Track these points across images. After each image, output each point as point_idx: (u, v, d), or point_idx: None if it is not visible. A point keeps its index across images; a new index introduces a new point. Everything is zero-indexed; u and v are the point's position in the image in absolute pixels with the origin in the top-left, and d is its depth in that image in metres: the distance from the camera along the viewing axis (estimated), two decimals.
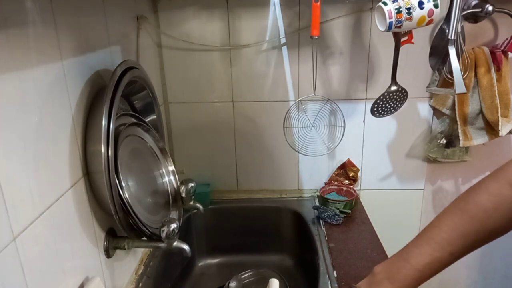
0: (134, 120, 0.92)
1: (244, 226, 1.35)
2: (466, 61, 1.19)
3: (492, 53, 1.20)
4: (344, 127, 1.28)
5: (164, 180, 1.01)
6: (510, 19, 1.18)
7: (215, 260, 1.38)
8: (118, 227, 0.80)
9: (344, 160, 1.40)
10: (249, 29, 1.26)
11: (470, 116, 1.27)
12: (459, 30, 1.09)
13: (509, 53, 1.21)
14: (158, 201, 0.97)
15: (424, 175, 1.42)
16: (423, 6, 0.98)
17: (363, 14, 1.24)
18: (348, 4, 1.22)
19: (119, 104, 0.83)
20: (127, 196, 0.78)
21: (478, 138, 1.28)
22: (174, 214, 1.00)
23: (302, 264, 1.31)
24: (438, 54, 1.18)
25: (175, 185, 1.02)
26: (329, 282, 0.97)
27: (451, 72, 1.12)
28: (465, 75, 1.20)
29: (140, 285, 0.99)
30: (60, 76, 0.68)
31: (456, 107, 1.26)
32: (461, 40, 1.13)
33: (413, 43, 1.09)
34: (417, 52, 1.24)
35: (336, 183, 1.39)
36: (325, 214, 1.24)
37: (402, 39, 1.08)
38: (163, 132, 1.09)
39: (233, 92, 1.33)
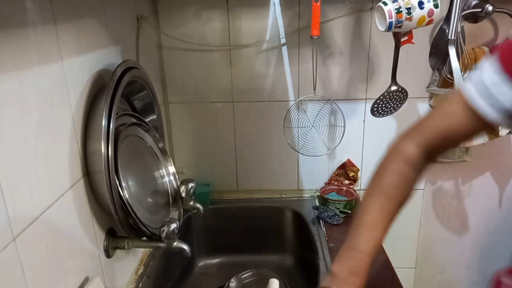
0: (134, 120, 0.92)
1: (244, 226, 1.35)
2: (466, 61, 1.19)
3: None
4: (344, 127, 1.28)
5: (164, 180, 1.01)
6: (510, 19, 1.18)
7: (215, 260, 1.38)
8: (118, 227, 0.80)
9: (344, 160, 1.40)
10: (249, 29, 1.26)
11: None
12: (459, 30, 1.09)
13: None
14: (158, 201, 0.97)
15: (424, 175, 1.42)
16: (423, 6, 0.98)
17: (363, 14, 1.24)
18: (348, 4, 1.22)
19: (119, 104, 0.83)
20: (127, 196, 0.78)
21: (478, 138, 1.28)
22: (174, 214, 1.00)
23: (302, 264, 1.31)
24: (438, 54, 1.18)
25: (175, 185, 1.02)
26: None
27: (451, 72, 1.12)
28: (465, 75, 1.20)
29: (140, 285, 0.99)
30: (60, 76, 0.68)
31: None
32: (461, 40, 1.13)
33: (413, 43, 1.09)
34: (417, 52, 1.24)
35: (336, 183, 1.39)
36: (325, 214, 1.24)
37: (402, 39, 1.08)
38: (163, 132, 1.09)
39: (233, 92, 1.33)
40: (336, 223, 1.22)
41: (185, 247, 0.86)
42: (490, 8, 1.14)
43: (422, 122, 0.70)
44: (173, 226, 0.82)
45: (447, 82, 1.20)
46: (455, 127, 0.65)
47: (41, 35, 0.62)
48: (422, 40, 1.23)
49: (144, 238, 0.86)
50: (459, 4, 1.05)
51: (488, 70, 0.61)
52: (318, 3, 1.09)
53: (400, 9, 0.97)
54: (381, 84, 1.28)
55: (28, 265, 0.58)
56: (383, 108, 1.20)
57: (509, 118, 0.61)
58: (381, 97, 1.18)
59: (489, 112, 0.61)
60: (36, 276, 0.60)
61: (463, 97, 0.63)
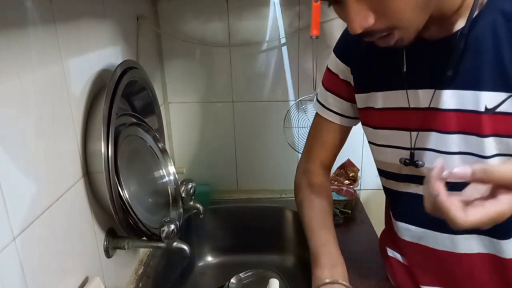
0: (134, 120, 0.93)
1: (244, 226, 1.35)
2: None
3: None
4: None
5: (164, 180, 1.01)
6: None
7: (215, 260, 1.38)
8: (118, 227, 0.80)
9: (344, 160, 1.40)
10: (249, 29, 1.26)
11: None
12: None
13: None
14: (158, 201, 0.97)
15: None
16: None
17: None
18: None
19: (119, 104, 0.83)
20: (127, 196, 0.78)
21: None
22: (174, 214, 1.00)
23: (302, 264, 1.31)
24: None
25: (175, 185, 1.02)
26: None
27: None
28: None
29: (140, 285, 0.99)
30: (60, 76, 0.68)
31: None
32: None
33: None
34: None
35: (336, 183, 1.39)
36: None
37: None
38: (163, 132, 1.09)
39: (233, 92, 1.33)
40: (336, 223, 1.21)
41: (185, 247, 0.86)
42: None
43: (306, 145, 0.92)
44: (173, 226, 0.82)
45: None
46: (326, 137, 0.88)
47: (41, 35, 0.63)
48: None
49: (144, 238, 0.86)
50: None
51: (319, 89, 0.87)
52: (318, 3, 1.09)
53: None
54: None
55: (28, 265, 0.58)
56: None
57: (346, 118, 0.84)
58: None
59: (331, 117, 0.85)
60: (36, 276, 0.60)
61: (318, 113, 0.87)
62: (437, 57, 0.64)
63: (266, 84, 1.32)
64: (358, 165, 1.40)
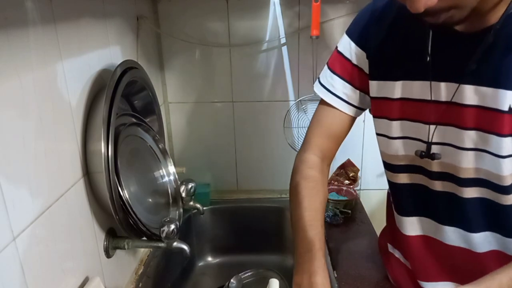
0: (134, 120, 0.93)
1: (244, 226, 1.35)
2: None
3: None
4: None
5: (164, 180, 1.01)
6: None
7: (215, 260, 1.38)
8: (118, 227, 0.80)
9: (344, 160, 1.40)
10: (249, 29, 1.26)
11: None
12: None
13: None
14: (158, 201, 0.97)
15: None
16: None
17: None
18: (348, 4, 1.22)
19: (119, 104, 0.83)
20: (127, 196, 0.78)
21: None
22: (174, 214, 1.00)
23: None
24: None
25: (175, 185, 1.02)
26: None
27: None
28: None
29: (140, 285, 0.99)
30: (60, 76, 0.68)
31: None
32: None
33: None
34: None
35: (336, 183, 1.39)
36: (325, 214, 1.24)
37: None
38: (163, 132, 1.09)
39: (233, 92, 1.33)
40: (336, 223, 1.22)
41: (185, 247, 0.86)
42: None
43: (308, 133, 0.82)
44: (173, 226, 0.82)
45: None
46: (329, 125, 0.80)
47: (41, 35, 0.62)
48: None
49: (144, 238, 0.86)
50: None
51: (324, 72, 0.79)
52: (318, 3, 1.09)
53: None
54: None
55: (28, 265, 0.58)
56: None
57: (353, 107, 0.78)
58: None
59: (337, 103, 0.77)
60: (36, 276, 0.60)
61: (322, 99, 0.79)
62: (465, 51, 0.61)
63: (266, 84, 1.32)
64: (358, 165, 1.40)
